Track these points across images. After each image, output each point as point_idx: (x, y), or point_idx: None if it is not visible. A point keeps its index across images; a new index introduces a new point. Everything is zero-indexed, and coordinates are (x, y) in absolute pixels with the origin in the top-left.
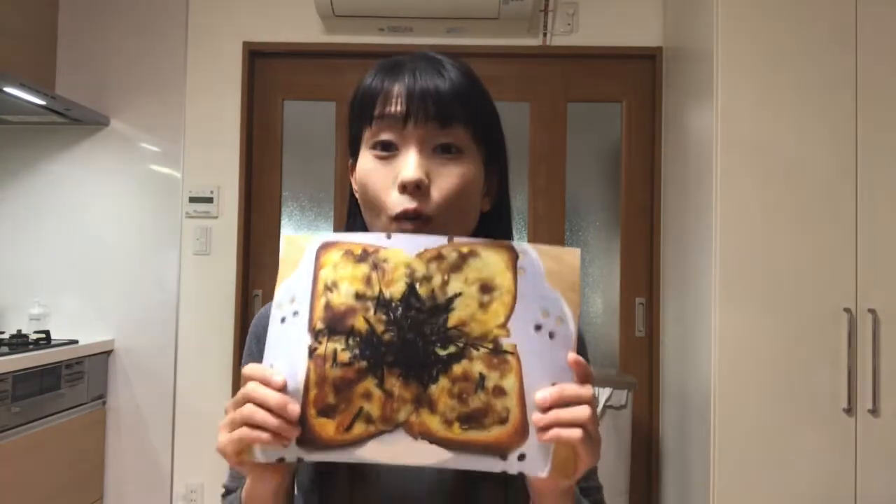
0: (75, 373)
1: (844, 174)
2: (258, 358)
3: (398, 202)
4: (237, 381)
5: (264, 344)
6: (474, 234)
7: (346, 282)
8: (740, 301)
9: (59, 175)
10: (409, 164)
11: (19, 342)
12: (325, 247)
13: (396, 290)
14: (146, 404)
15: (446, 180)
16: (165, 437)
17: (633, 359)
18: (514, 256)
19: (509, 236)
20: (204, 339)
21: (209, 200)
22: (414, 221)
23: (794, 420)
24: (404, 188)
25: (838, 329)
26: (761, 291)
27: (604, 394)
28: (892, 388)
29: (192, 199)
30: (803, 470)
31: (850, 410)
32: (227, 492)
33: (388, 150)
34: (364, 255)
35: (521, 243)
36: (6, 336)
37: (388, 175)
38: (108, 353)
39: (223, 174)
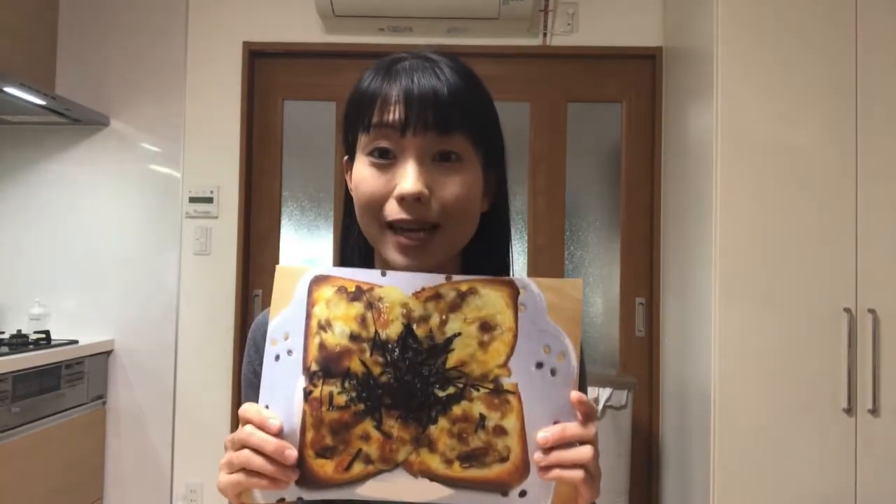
0: (75, 373)
1: (845, 174)
2: (258, 365)
3: (395, 211)
4: (237, 382)
5: (263, 352)
6: (474, 236)
7: (341, 322)
8: (740, 301)
9: (59, 175)
10: (409, 176)
11: (19, 342)
12: (318, 281)
13: (393, 330)
14: (146, 404)
15: (447, 190)
16: (165, 437)
17: (633, 359)
18: (514, 293)
19: (508, 237)
20: (204, 339)
21: (209, 200)
22: (413, 233)
23: (794, 420)
24: (402, 200)
25: (838, 329)
26: (761, 291)
27: (604, 394)
28: (892, 388)
29: (192, 199)
30: (803, 470)
31: (850, 410)
32: None
33: (385, 158)
34: (358, 294)
35: (522, 278)
36: (6, 336)
37: (385, 184)
38: (108, 353)
39: (223, 174)
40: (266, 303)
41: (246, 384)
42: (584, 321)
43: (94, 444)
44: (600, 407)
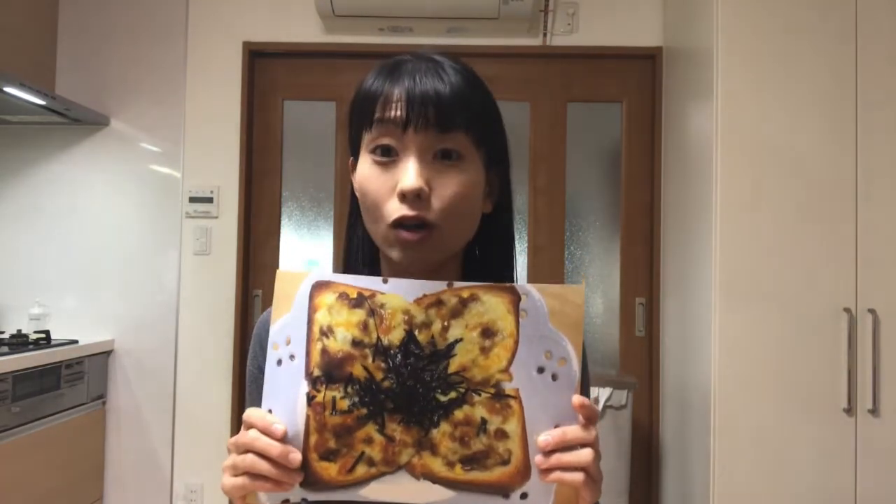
0: (75, 373)
1: (844, 174)
2: (262, 361)
3: (397, 209)
4: (237, 382)
5: (268, 350)
6: (476, 237)
7: (343, 328)
8: (740, 301)
9: (59, 175)
10: (409, 172)
11: (19, 342)
12: (319, 287)
13: (395, 336)
14: (146, 404)
15: (447, 188)
16: (165, 437)
17: (633, 359)
18: (515, 299)
19: (511, 238)
20: (204, 339)
21: (209, 200)
22: (414, 229)
23: (794, 420)
24: (404, 197)
25: (838, 329)
26: (761, 291)
27: (604, 394)
28: (892, 388)
29: (192, 199)
30: (803, 470)
31: (850, 410)
32: None
33: (387, 156)
34: (360, 300)
35: (523, 285)
36: (6, 336)
37: (387, 182)
38: (108, 353)
39: (223, 174)
40: (266, 303)
41: (250, 380)
42: (584, 321)
43: (94, 444)
44: (600, 407)
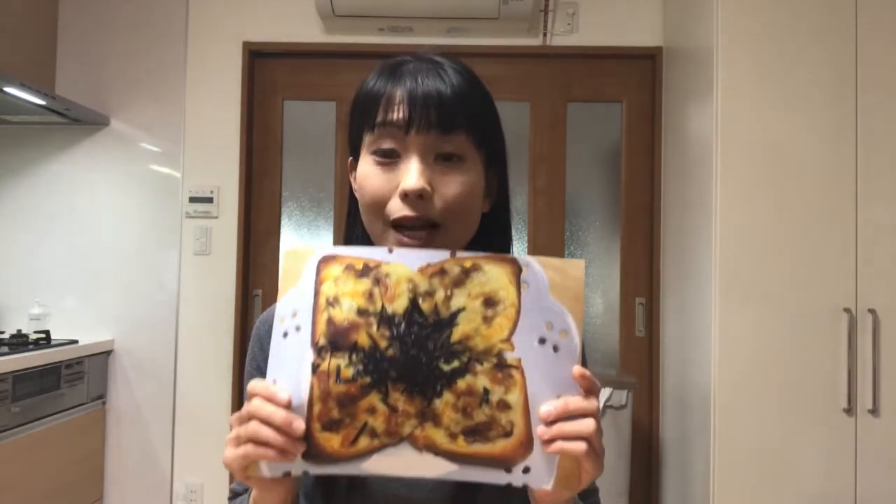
0: (75, 373)
1: (844, 174)
2: (261, 361)
3: (399, 209)
4: (237, 381)
5: (268, 349)
6: (475, 236)
7: (348, 297)
8: (740, 301)
9: (59, 175)
10: (412, 172)
11: (19, 342)
12: (326, 260)
13: (399, 305)
14: (146, 404)
15: (449, 188)
16: (165, 438)
17: (633, 359)
18: (517, 270)
19: (509, 237)
20: (204, 339)
21: (209, 200)
22: (415, 229)
23: (794, 420)
24: (406, 196)
25: (838, 329)
26: (761, 291)
27: (604, 394)
28: (892, 388)
29: (192, 199)
30: (803, 470)
31: (850, 410)
32: (235, 494)
33: (389, 157)
34: (366, 270)
35: (524, 256)
36: (6, 336)
37: (389, 181)
38: (108, 353)
39: (223, 174)
40: (266, 303)
41: (248, 380)
42: (584, 321)
43: (94, 444)
44: (600, 407)
